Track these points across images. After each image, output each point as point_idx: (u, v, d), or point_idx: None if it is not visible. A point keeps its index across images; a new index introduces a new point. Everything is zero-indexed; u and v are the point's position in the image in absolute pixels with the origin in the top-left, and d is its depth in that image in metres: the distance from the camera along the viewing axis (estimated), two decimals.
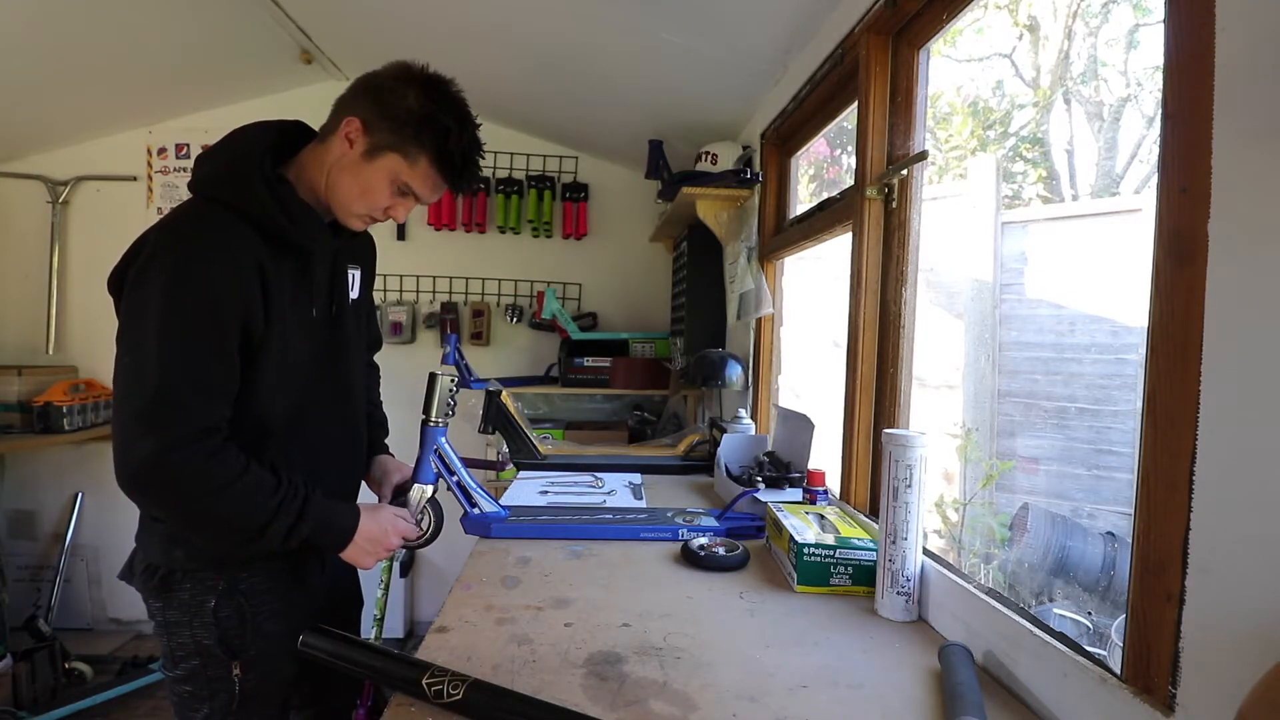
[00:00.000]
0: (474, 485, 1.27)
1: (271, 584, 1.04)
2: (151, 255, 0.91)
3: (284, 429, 1.01)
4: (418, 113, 0.97)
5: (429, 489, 1.20)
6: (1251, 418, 0.54)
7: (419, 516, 1.18)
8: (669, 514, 1.39)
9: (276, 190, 0.97)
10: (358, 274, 1.18)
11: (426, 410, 1.20)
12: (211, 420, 0.90)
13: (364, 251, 1.22)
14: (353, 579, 1.30)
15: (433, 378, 1.19)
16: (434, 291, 2.98)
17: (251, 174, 0.95)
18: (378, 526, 1.05)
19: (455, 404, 1.21)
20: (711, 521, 1.35)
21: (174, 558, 0.99)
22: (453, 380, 1.20)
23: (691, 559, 1.18)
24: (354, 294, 1.16)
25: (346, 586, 1.28)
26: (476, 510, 1.29)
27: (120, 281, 0.93)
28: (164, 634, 1.02)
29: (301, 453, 1.05)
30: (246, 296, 0.92)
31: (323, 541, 1.00)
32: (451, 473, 1.23)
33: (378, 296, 2.93)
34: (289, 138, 1.05)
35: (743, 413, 1.88)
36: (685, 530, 1.31)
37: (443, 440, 1.22)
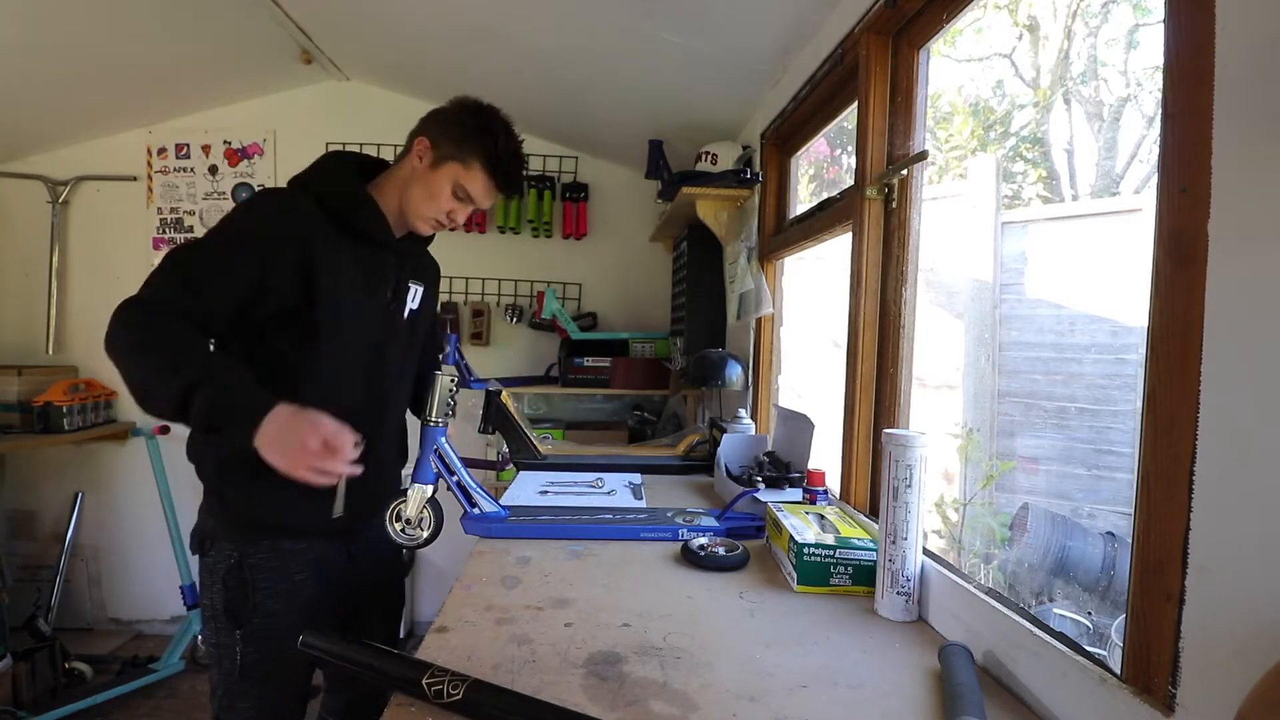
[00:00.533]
0: (474, 485, 1.27)
1: (279, 563, 1.13)
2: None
3: (318, 392, 1.07)
4: (470, 127, 1.18)
5: (429, 489, 1.20)
6: (1251, 418, 0.54)
7: (420, 516, 1.19)
8: (669, 514, 1.39)
9: (357, 186, 1.17)
10: (420, 290, 1.30)
11: (427, 410, 1.21)
12: (174, 302, 0.98)
13: (430, 273, 1.37)
14: (393, 577, 1.35)
15: (433, 378, 1.20)
16: None
17: (340, 171, 1.19)
18: (295, 418, 0.94)
19: (455, 404, 1.22)
20: (711, 521, 1.35)
21: (207, 525, 1.15)
22: (453, 380, 1.20)
23: (691, 559, 1.18)
24: (414, 305, 1.28)
25: (385, 584, 1.33)
26: (476, 510, 1.29)
27: None
28: (203, 591, 1.17)
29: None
30: (277, 243, 1.05)
31: (224, 417, 0.93)
32: (451, 473, 1.24)
33: None
34: (371, 168, 1.25)
35: (743, 413, 1.88)
36: (685, 530, 1.31)
37: (443, 440, 1.22)
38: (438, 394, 1.20)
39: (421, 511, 1.19)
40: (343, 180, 1.17)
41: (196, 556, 1.17)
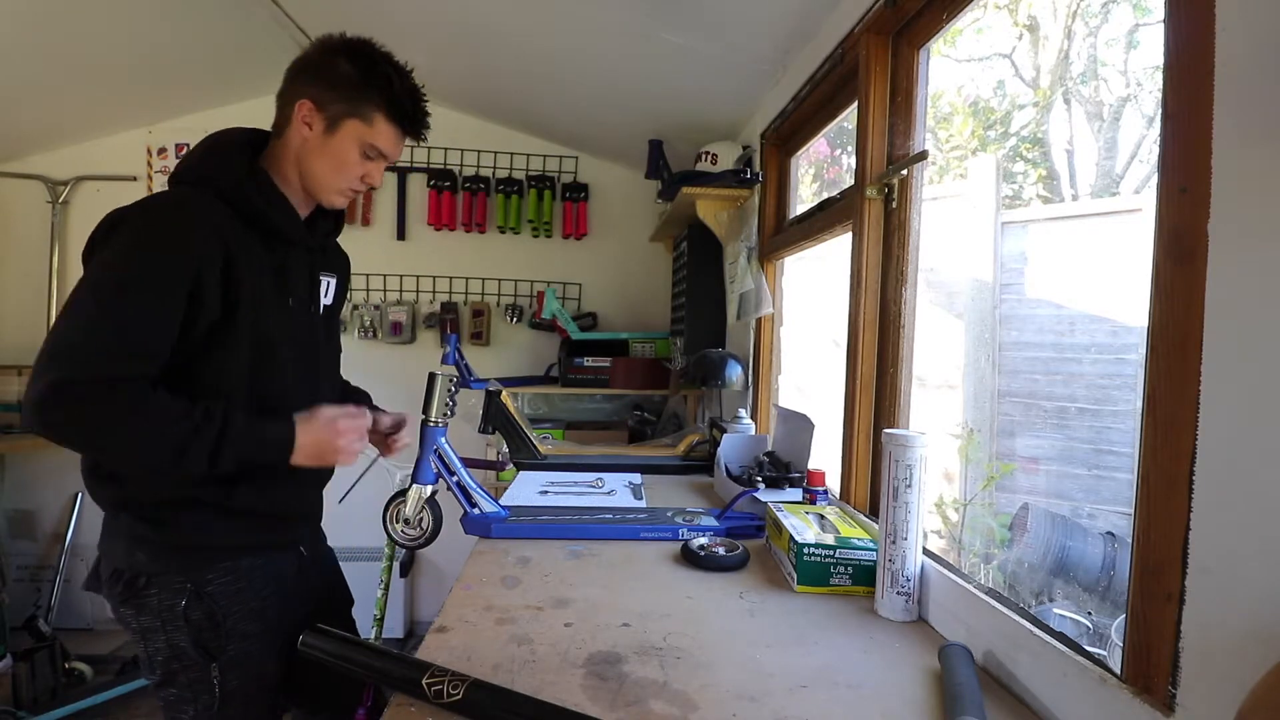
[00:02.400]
0: (474, 485, 1.27)
1: (243, 583, 1.03)
2: (117, 222, 0.93)
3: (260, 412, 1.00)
4: (356, 76, 1.03)
5: (428, 489, 1.20)
6: (1251, 418, 0.54)
7: (419, 516, 1.19)
8: (669, 514, 1.39)
9: (255, 173, 1.02)
10: (333, 282, 1.20)
11: (426, 410, 1.20)
12: (124, 373, 0.88)
13: (339, 262, 1.24)
14: (337, 576, 1.28)
15: (432, 377, 1.19)
16: (434, 291, 2.98)
17: (231, 156, 1.01)
18: (317, 423, 0.99)
19: (455, 404, 1.22)
20: (711, 521, 1.35)
21: (136, 560, 0.99)
22: (452, 380, 1.20)
23: (691, 559, 1.18)
24: (327, 300, 1.19)
25: (333, 584, 1.26)
26: (476, 510, 1.28)
27: (90, 251, 0.95)
28: (140, 640, 1.02)
29: None
30: (202, 261, 0.92)
31: (262, 455, 0.96)
32: (451, 473, 1.23)
33: (377, 296, 2.94)
34: (260, 143, 1.09)
35: (743, 413, 1.88)
36: (685, 530, 1.31)
37: (442, 440, 1.22)
38: (437, 393, 1.19)
39: (420, 511, 1.18)
40: (244, 172, 1.01)
41: (119, 602, 1.01)
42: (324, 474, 1.20)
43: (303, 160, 1.06)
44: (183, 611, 0.99)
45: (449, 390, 1.19)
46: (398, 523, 1.20)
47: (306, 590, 1.15)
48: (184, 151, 2.86)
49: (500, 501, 1.56)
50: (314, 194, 1.08)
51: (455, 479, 1.23)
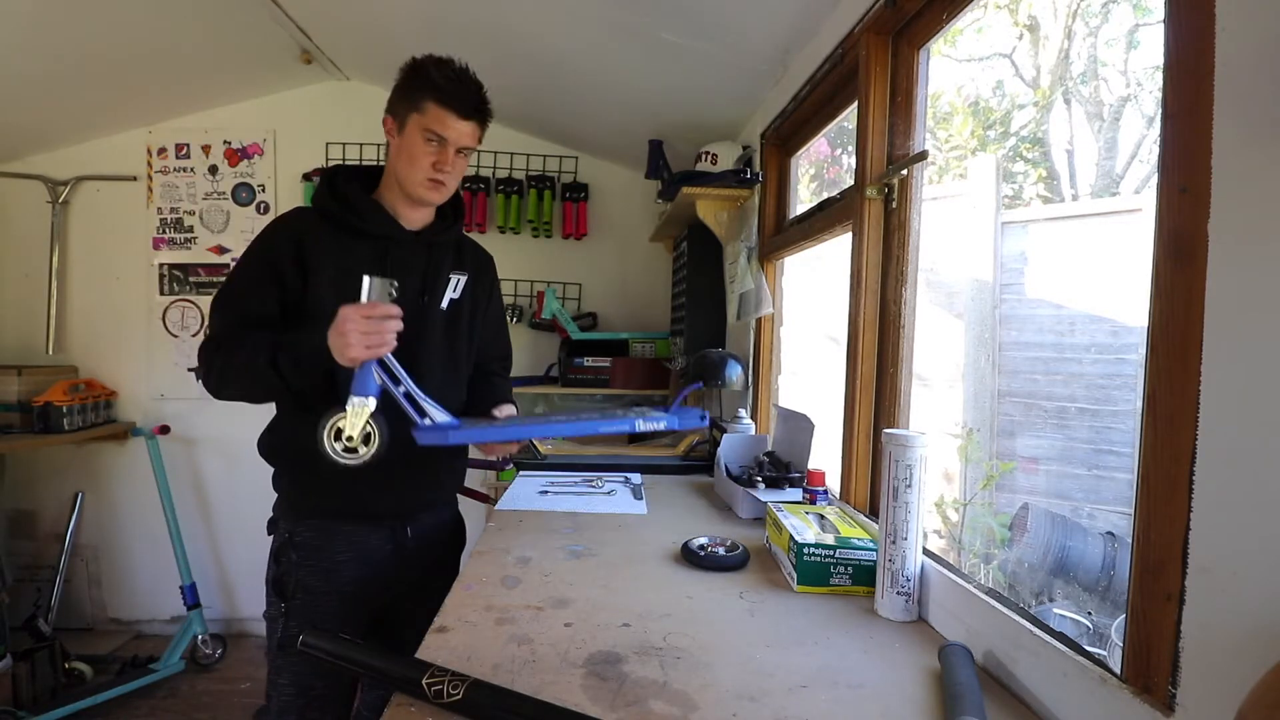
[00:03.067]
0: (421, 395, 1.11)
1: (323, 541, 1.22)
2: None
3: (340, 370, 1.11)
4: (408, 79, 1.20)
5: (371, 402, 1.04)
6: (1251, 418, 0.54)
7: (363, 433, 1.05)
8: (620, 411, 1.20)
9: (334, 185, 1.23)
10: (463, 280, 1.32)
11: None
12: (233, 330, 1.15)
13: (475, 262, 1.38)
14: (437, 588, 1.22)
15: (368, 280, 1.05)
16: None
17: (320, 181, 1.30)
18: (337, 326, 1.02)
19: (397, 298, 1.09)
20: (661, 414, 1.16)
21: (276, 508, 1.27)
22: (392, 285, 1.06)
23: (691, 559, 1.18)
24: (454, 294, 1.31)
25: (435, 566, 1.34)
26: (427, 421, 1.11)
27: None
28: (268, 568, 1.26)
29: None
30: (279, 253, 1.18)
31: (307, 362, 1.08)
32: (397, 382, 1.08)
33: None
34: (374, 176, 1.30)
35: (743, 413, 1.88)
36: (641, 421, 1.13)
37: None
38: (373, 294, 1.05)
39: (366, 428, 1.04)
40: (336, 184, 1.23)
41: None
42: (424, 454, 1.17)
43: (393, 166, 1.23)
44: (276, 552, 1.23)
45: (389, 293, 1.05)
46: (338, 442, 1.05)
47: (399, 569, 1.28)
48: (185, 152, 2.88)
49: (500, 502, 1.56)
50: (406, 194, 1.23)
51: (402, 389, 1.08)
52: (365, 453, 1.05)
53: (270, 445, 1.27)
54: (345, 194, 1.23)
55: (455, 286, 1.31)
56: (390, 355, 1.08)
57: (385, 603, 1.29)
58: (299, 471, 1.23)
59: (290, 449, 1.23)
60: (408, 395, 1.09)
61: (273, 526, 1.27)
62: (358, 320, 1.01)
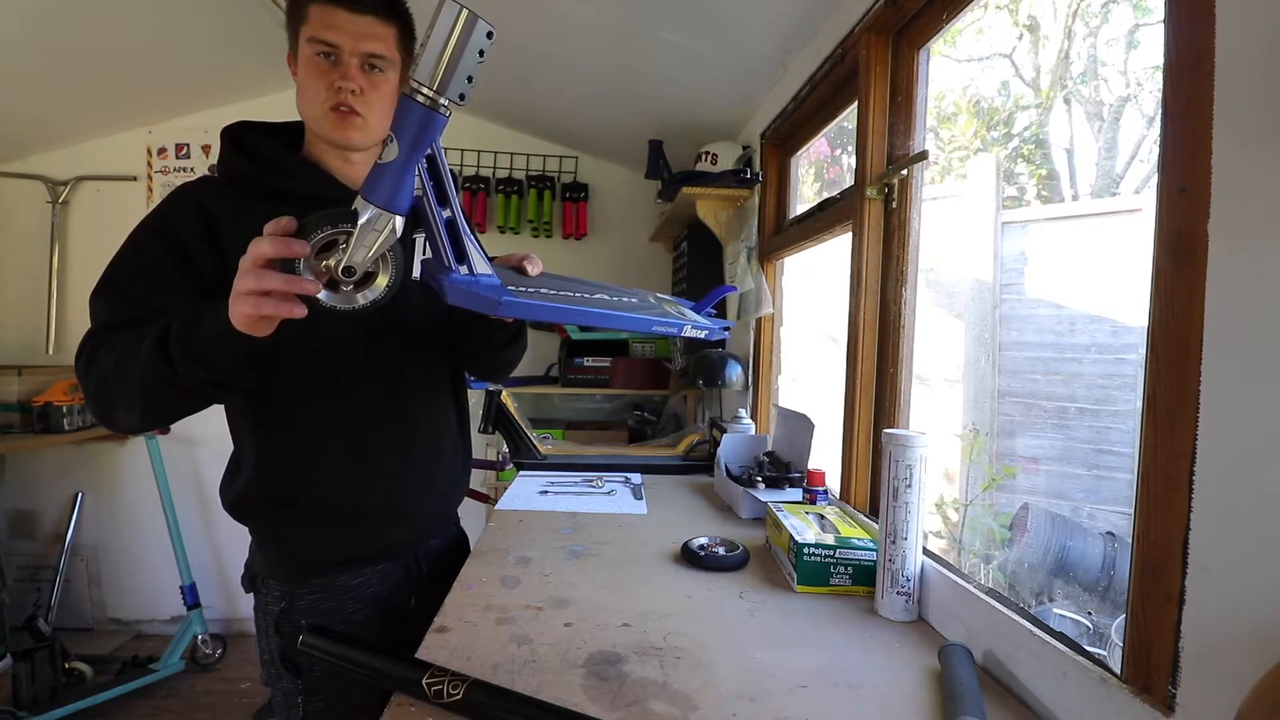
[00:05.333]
0: (466, 228, 0.72)
1: (335, 604, 1.01)
2: None
3: (314, 390, 0.96)
4: None
5: (399, 221, 0.66)
6: (1251, 418, 0.54)
7: (364, 251, 0.66)
8: (669, 308, 0.96)
9: (241, 144, 0.98)
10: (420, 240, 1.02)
11: (432, 74, 0.60)
12: (116, 323, 0.87)
13: None
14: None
15: (456, 11, 0.59)
16: None
17: (222, 140, 1.00)
18: (239, 272, 0.69)
19: (473, 81, 0.63)
20: (705, 321, 0.95)
21: (255, 562, 1.04)
22: (492, 35, 0.61)
23: (691, 559, 1.18)
24: (422, 256, 0.95)
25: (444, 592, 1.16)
26: (464, 270, 0.71)
27: None
28: (257, 632, 1.06)
29: (338, 426, 0.98)
30: (183, 229, 0.91)
31: (205, 325, 0.73)
32: (444, 204, 0.69)
33: None
34: (291, 131, 1.06)
35: (743, 413, 1.88)
36: (690, 326, 0.89)
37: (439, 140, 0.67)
38: (455, 43, 0.60)
39: (376, 255, 0.67)
40: (243, 142, 0.97)
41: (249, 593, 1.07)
42: (430, 470, 1.09)
43: (301, 113, 0.98)
44: (274, 621, 1.00)
45: (483, 50, 0.61)
46: (335, 269, 0.67)
47: (419, 604, 1.08)
48: (185, 152, 2.88)
49: (500, 503, 1.56)
50: (317, 134, 0.98)
51: (447, 214, 0.69)
52: (360, 299, 0.70)
53: (241, 498, 1.01)
54: (259, 151, 0.97)
55: (424, 248, 0.97)
56: (445, 163, 0.69)
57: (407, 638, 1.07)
58: (289, 524, 0.98)
59: (268, 499, 0.98)
60: (450, 223, 0.70)
61: (254, 585, 1.04)
62: (261, 251, 0.65)
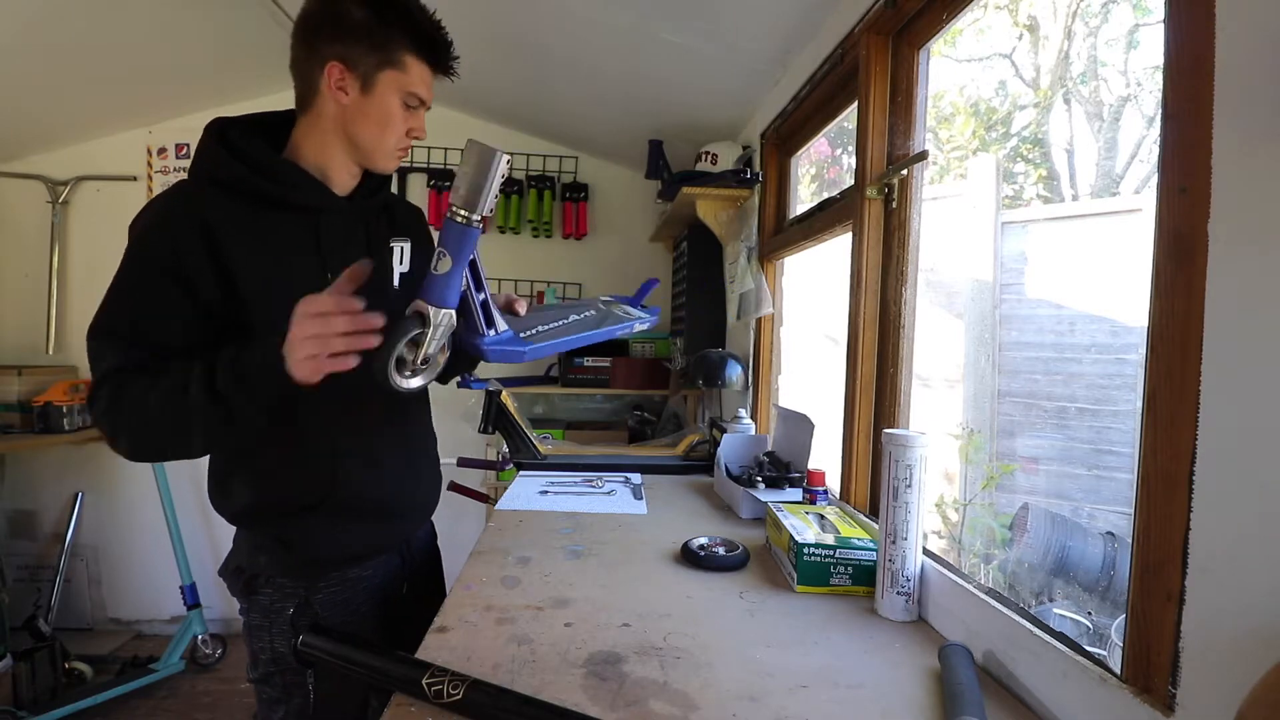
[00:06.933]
0: (490, 299, 0.94)
1: (349, 593, 1.06)
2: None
3: (334, 400, 0.95)
4: (374, 17, 0.94)
5: (452, 315, 0.85)
6: (1251, 418, 0.54)
7: (436, 344, 0.85)
8: (616, 311, 1.12)
9: (235, 147, 0.95)
10: (406, 247, 1.08)
11: (470, 203, 0.79)
12: (131, 364, 0.87)
13: (409, 221, 1.14)
14: (432, 582, 1.27)
15: (483, 150, 0.79)
16: None
17: (209, 140, 0.96)
18: (297, 325, 0.79)
19: (495, 201, 0.83)
20: (643, 313, 1.15)
21: (258, 563, 1.02)
22: (508, 162, 0.81)
23: (691, 559, 1.18)
24: (402, 268, 1.07)
25: (426, 591, 1.23)
26: (493, 333, 0.92)
27: None
28: (248, 636, 1.05)
29: (353, 430, 1.02)
30: (183, 253, 0.89)
31: (256, 365, 0.81)
32: (479, 289, 0.88)
33: None
34: (274, 129, 1.04)
35: (743, 413, 1.88)
36: (637, 324, 1.11)
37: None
38: (493, 175, 0.79)
39: (442, 344, 0.87)
40: (231, 141, 0.95)
41: (236, 597, 1.05)
42: (423, 462, 1.15)
43: (350, 129, 0.98)
44: (289, 617, 1.01)
45: (504, 175, 0.80)
46: (413, 361, 0.86)
47: (407, 597, 1.16)
48: (184, 152, 2.88)
49: (500, 503, 1.56)
50: (368, 163, 1.02)
51: (482, 297, 0.89)
52: (426, 376, 0.90)
53: (254, 507, 1.00)
54: (253, 156, 0.95)
55: (401, 257, 1.06)
56: (478, 254, 0.85)
57: (394, 632, 1.15)
58: (313, 527, 1.00)
59: (289, 505, 0.99)
60: (484, 302, 0.89)
61: (252, 584, 1.01)
62: (321, 327, 0.76)
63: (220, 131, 0.97)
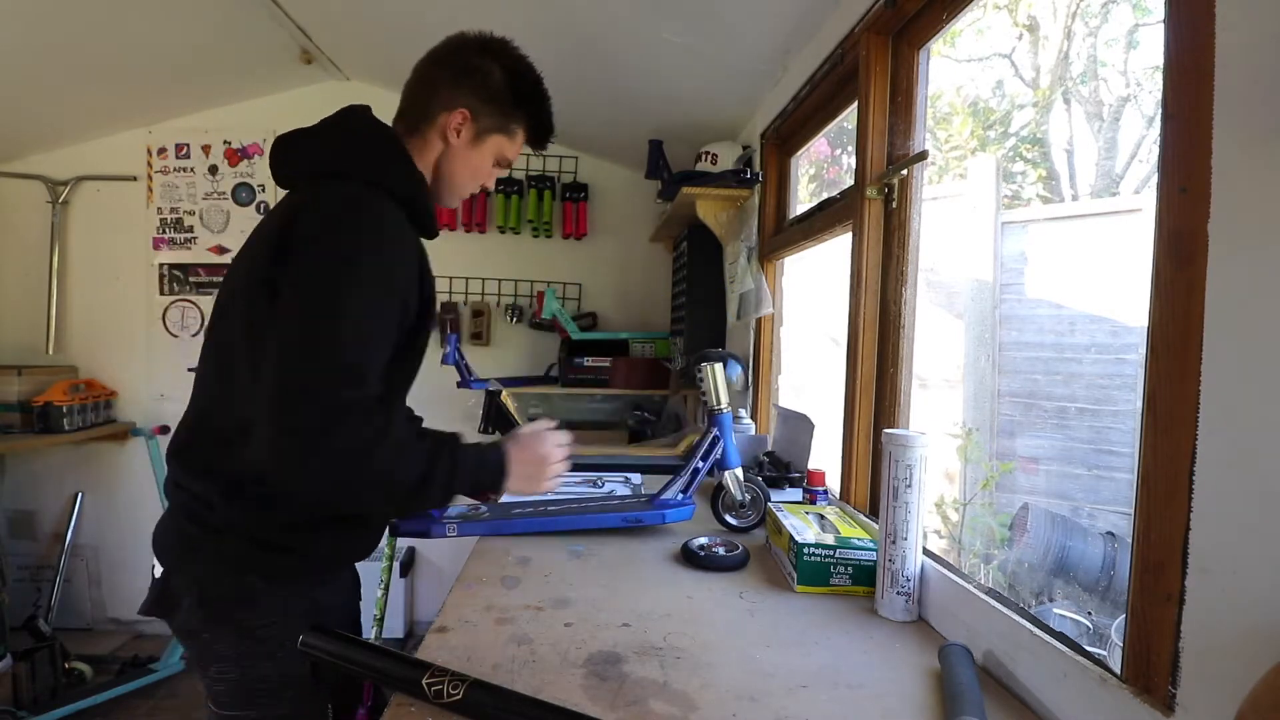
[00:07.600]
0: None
1: (344, 596, 1.06)
2: (336, 233, 0.85)
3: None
4: (511, 92, 1.03)
5: (740, 471, 1.36)
6: (1251, 418, 0.54)
7: (743, 498, 1.37)
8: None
9: (418, 178, 0.99)
10: None
11: (715, 400, 1.39)
12: (375, 393, 0.84)
13: None
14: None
15: (714, 369, 1.38)
16: None
17: (401, 158, 0.97)
18: (528, 443, 0.99)
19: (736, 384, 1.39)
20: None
21: (247, 582, 0.90)
22: (732, 368, 1.31)
23: (691, 559, 1.18)
24: None
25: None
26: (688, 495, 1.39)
27: (278, 253, 0.84)
28: (234, 669, 0.90)
29: None
30: (409, 280, 0.91)
31: (484, 479, 0.95)
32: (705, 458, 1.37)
33: None
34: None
35: (743, 413, 1.88)
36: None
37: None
38: (720, 383, 1.38)
39: (745, 492, 1.36)
40: (411, 173, 0.98)
41: (207, 630, 0.92)
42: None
43: (443, 165, 1.02)
44: (298, 622, 0.89)
45: (731, 379, 1.33)
46: (733, 509, 1.37)
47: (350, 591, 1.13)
48: (185, 152, 2.88)
49: (500, 502, 1.55)
50: (443, 196, 1.06)
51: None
52: (755, 512, 1.39)
53: (289, 525, 0.91)
54: (424, 193, 0.99)
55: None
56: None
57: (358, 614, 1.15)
58: (345, 536, 0.99)
59: (325, 521, 0.94)
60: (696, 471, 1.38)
61: (246, 608, 0.91)
62: (556, 448, 1.02)
63: (398, 138, 0.99)
